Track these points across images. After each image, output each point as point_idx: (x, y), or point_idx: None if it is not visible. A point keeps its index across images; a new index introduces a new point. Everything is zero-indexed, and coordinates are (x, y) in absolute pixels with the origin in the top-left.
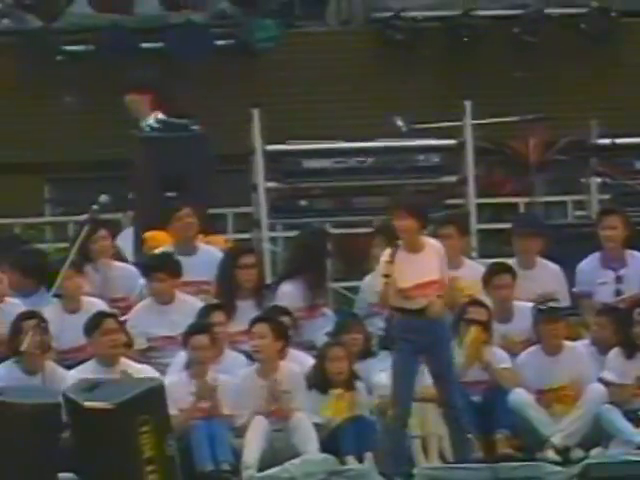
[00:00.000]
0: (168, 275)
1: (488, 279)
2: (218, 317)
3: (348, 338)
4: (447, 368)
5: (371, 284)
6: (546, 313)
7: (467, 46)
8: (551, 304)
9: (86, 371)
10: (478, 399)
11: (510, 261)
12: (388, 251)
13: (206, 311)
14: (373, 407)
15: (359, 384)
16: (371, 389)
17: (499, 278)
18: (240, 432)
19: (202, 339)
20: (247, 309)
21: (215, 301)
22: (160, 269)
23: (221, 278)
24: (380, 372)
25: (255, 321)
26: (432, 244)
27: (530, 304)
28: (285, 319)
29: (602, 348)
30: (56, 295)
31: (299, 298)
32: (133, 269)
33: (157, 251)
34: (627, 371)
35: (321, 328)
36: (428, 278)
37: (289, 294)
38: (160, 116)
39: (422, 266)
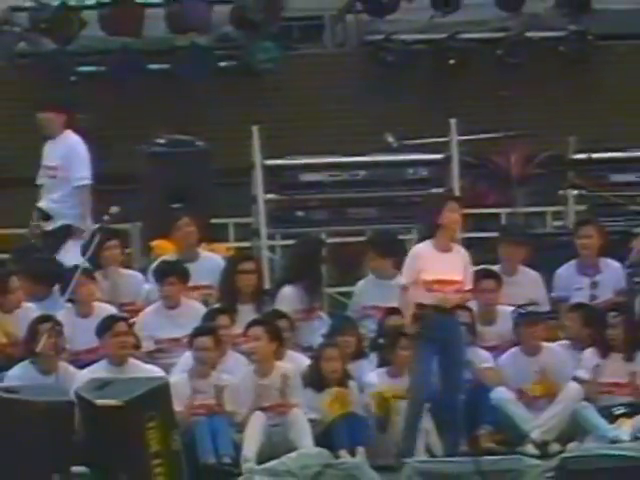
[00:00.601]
0: (178, 279)
1: (474, 284)
2: (223, 320)
3: (342, 340)
4: (457, 367)
5: (364, 289)
6: (526, 316)
7: (453, 67)
8: (531, 308)
9: (97, 371)
10: (463, 397)
11: (494, 267)
12: None
13: (211, 314)
14: (365, 405)
15: (352, 383)
16: (363, 388)
17: (484, 283)
18: (240, 427)
19: (206, 341)
20: (247, 313)
21: (218, 305)
22: (172, 274)
23: (223, 283)
24: (371, 372)
25: (250, 324)
26: (460, 249)
27: (512, 308)
28: (283, 322)
29: (575, 344)
30: (69, 300)
31: (297, 302)
32: (139, 276)
33: (165, 258)
34: (601, 370)
35: (317, 330)
36: (450, 277)
37: (288, 298)
38: None
39: (447, 265)
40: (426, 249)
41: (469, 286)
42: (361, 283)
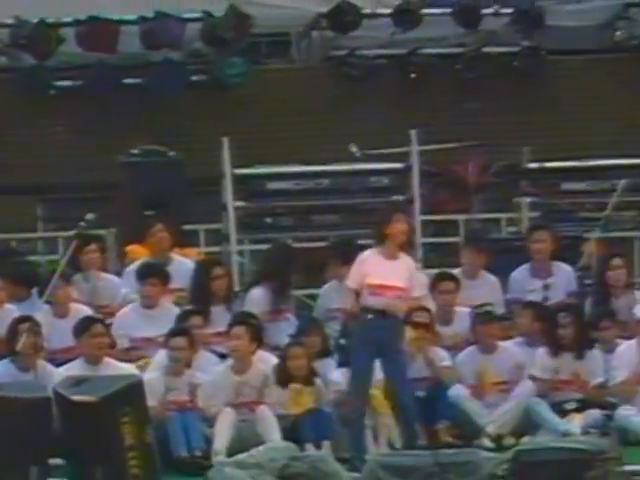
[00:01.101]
0: (159, 281)
1: (434, 285)
2: (196, 321)
3: (308, 340)
4: (400, 369)
5: (328, 292)
6: (482, 317)
7: (414, 81)
8: (487, 309)
9: (73, 369)
10: (422, 394)
11: (454, 271)
12: None
13: (185, 315)
14: (330, 401)
15: (318, 380)
16: (328, 385)
17: (443, 285)
18: (211, 422)
19: (180, 341)
20: (219, 314)
21: (190, 306)
22: (153, 275)
23: (196, 287)
24: (335, 370)
25: (233, 324)
26: (406, 258)
27: (469, 309)
28: (254, 321)
29: (528, 340)
30: (47, 302)
31: (265, 303)
32: (117, 280)
33: (146, 260)
34: (553, 368)
35: (285, 331)
36: (392, 283)
37: (256, 299)
38: None
39: (391, 271)
40: (372, 255)
41: (417, 293)
42: (325, 287)
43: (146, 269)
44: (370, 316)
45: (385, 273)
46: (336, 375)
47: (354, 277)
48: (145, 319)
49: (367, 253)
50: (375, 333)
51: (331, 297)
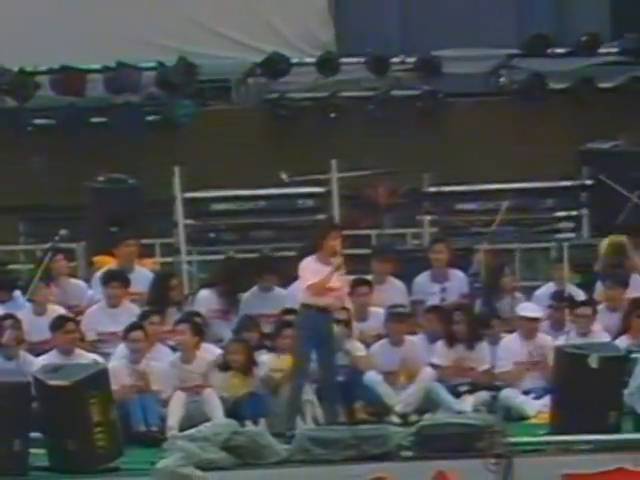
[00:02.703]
0: (120, 284)
1: (352, 289)
2: (155, 319)
3: (247, 335)
4: (332, 356)
5: (249, 298)
6: (394, 316)
7: (334, 119)
8: (398, 310)
9: (50, 358)
10: (342, 378)
11: (368, 277)
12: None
13: (145, 314)
14: (260, 378)
15: (255, 369)
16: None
17: (359, 289)
18: (165, 404)
19: (138, 334)
20: (173, 314)
21: (148, 307)
22: (115, 279)
23: (155, 292)
24: (266, 354)
25: (178, 322)
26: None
27: (381, 309)
28: (198, 319)
29: (430, 337)
30: (29, 300)
31: (212, 303)
32: (83, 284)
33: (110, 267)
34: (449, 357)
35: (228, 327)
36: (331, 285)
37: (204, 300)
38: None
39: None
40: (312, 262)
41: (344, 291)
42: (247, 294)
43: (109, 275)
44: (314, 312)
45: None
46: (264, 358)
47: (302, 279)
48: (109, 317)
49: (308, 260)
50: (319, 326)
51: (250, 304)
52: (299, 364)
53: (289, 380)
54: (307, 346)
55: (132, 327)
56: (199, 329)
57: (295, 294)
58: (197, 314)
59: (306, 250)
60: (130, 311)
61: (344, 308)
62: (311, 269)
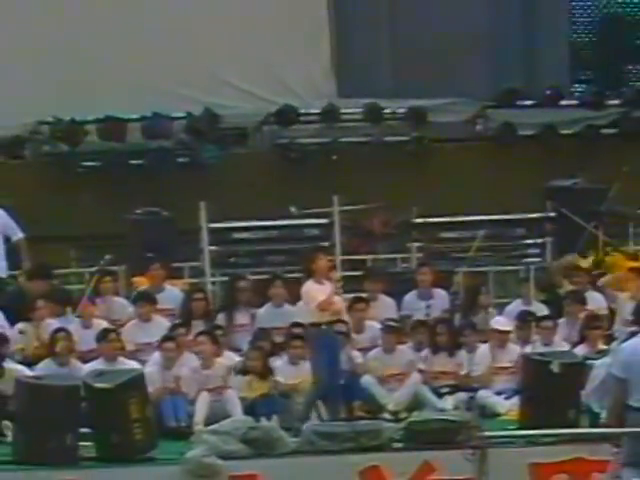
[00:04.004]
0: (147, 303)
1: (350, 306)
2: (181, 331)
3: (262, 344)
4: (337, 362)
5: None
6: (387, 328)
7: (336, 161)
8: (391, 324)
9: (96, 365)
10: (342, 381)
11: (364, 295)
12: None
13: (174, 326)
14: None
15: (269, 374)
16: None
17: (357, 305)
18: (192, 402)
19: (171, 344)
20: (198, 326)
21: (178, 321)
22: (144, 299)
23: (183, 308)
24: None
25: (199, 334)
26: (327, 283)
27: (375, 322)
28: (219, 332)
29: (417, 347)
30: (78, 316)
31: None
32: (125, 301)
33: (141, 289)
34: (433, 363)
35: (247, 339)
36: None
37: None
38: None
39: (324, 294)
40: (311, 285)
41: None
42: (261, 310)
43: (138, 295)
44: (324, 328)
45: (321, 295)
46: (277, 365)
47: (313, 299)
48: (143, 330)
49: (307, 285)
50: (329, 340)
51: (264, 318)
52: (319, 380)
53: (309, 389)
54: (324, 362)
55: (165, 338)
56: (216, 339)
57: (301, 311)
58: (218, 327)
59: (303, 277)
60: (160, 325)
61: (343, 321)
62: (313, 291)
